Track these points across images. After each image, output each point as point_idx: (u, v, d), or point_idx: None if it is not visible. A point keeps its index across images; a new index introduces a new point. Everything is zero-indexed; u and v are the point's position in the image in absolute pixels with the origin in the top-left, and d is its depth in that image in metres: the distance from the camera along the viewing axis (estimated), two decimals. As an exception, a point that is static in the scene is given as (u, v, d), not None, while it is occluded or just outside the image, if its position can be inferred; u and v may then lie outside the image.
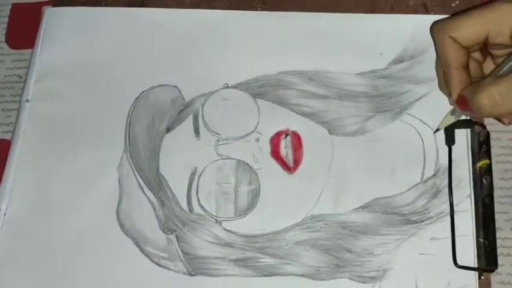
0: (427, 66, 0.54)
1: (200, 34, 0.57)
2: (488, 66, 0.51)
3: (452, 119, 0.50)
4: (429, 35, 0.53)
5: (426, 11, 0.56)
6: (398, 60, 0.55)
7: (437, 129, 0.52)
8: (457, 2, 0.56)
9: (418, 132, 0.52)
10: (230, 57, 0.56)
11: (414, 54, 0.55)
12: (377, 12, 0.57)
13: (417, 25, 0.55)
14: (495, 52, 0.49)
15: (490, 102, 0.45)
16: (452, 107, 0.50)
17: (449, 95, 0.50)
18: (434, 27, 0.50)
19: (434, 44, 0.50)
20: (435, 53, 0.50)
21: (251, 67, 0.55)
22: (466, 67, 0.49)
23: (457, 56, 0.48)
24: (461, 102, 0.48)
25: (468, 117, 0.51)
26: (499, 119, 0.50)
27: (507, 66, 0.47)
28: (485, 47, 0.49)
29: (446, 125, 0.51)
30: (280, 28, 0.56)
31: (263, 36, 0.56)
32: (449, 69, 0.49)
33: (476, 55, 0.51)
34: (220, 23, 0.57)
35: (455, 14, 0.50)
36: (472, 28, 0.47)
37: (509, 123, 0.50)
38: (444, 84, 0.50)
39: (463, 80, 0.48)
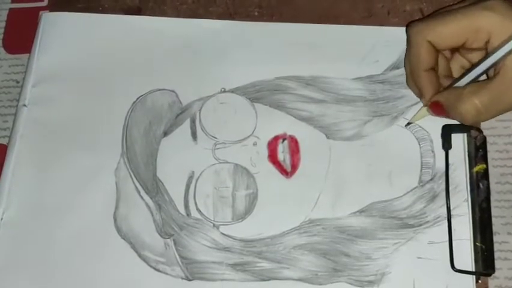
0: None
1: (198, 40, 0.57)
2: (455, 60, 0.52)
3: (427, 113, 0.51)
4: None
5: (422, 15, 0.57)
6: (395, 66, 0.55)
7: (409, 123, 0.52)
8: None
9: (415, 137, 0.52)
10: (227, 62, 0.56)
11: None
12: (374, 17, 0.57)
13: None
14: (468, 55, 0.50)
15: (475, 112, 0.46)
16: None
17: (419, 94, 0.51)
18: (412, 29, 0.50)
19: (408, 43, 0.50)
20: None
21: (248, 72, 0.55)
22: (434, 68, 0.50)
23: (429, 59, 0.49)
24: (436, 107, 0.49)
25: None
26: None
27: (477, 73, 0.48)
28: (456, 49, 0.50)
29: (419, 119, 0.52)
30: (277, 38, 0.57)
31: (260, 44, 0.56)
32: (419, 70, 0.49)
33: (445, 52, 0.51)
34: (218, 31, 0.57)
35: (432, 16, 0.50)
36: (451, 35, 0.48)
37: None
38: (412, 81, 0.51)
39: (433, 82, 0.49)
